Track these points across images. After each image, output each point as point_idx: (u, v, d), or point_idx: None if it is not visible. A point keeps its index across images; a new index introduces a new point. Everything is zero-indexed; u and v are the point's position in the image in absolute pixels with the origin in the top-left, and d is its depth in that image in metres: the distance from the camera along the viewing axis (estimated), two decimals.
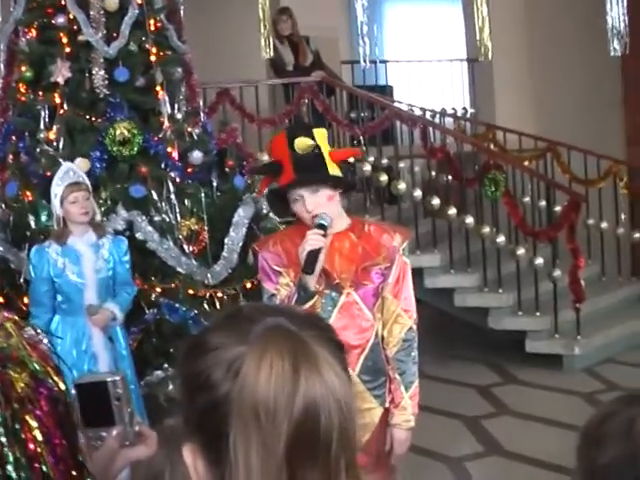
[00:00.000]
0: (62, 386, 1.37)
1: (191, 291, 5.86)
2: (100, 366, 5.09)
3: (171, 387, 5.45)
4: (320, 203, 3.38)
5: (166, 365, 5.56)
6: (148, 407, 5.11)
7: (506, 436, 6.36)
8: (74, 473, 1.37)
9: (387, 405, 3.59)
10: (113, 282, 5.23)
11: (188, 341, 1.22)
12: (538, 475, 5.70)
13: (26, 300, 5.64)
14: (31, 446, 1.23)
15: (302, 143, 3.39)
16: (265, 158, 7.75)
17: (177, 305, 5.73)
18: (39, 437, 1.25)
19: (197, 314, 5.71)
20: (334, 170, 3.46)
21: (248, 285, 5.96)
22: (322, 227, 3.35)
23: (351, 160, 8.40)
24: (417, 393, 3.62)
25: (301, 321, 1.21)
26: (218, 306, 5.91)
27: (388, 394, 3.59)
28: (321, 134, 3.50)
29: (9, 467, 1.22)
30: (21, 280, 5.65)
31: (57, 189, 5.14)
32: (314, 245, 3.31)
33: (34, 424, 1.24)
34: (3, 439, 1.27)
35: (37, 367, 1.39)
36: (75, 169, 5.31)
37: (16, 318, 1.52)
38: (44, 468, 1.28)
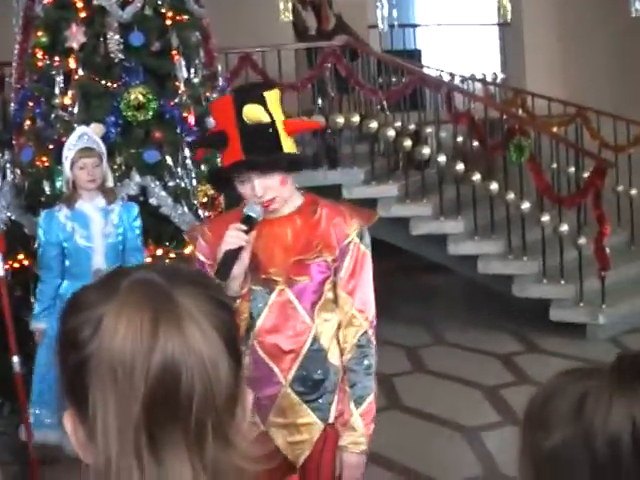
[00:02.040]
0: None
1: None
2: None
3: None
4: (271, 187, 2.84)
5: None
6: None
7: (524, 406, 6.27)
8: None
9: (331, 421, 3.06)
10: (123, 248, 5.20)
11: (68, 299, 1.16)
12: None
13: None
14: None
15: (252, 113, 2.81)
16: None
17: None
18: None
19: None
20: (289, 146, 2.88)
21: None
22: (249, 220, 2.77)
23: (373, 125, 8.32)
24: (372, 410, 3.05)
25: (178, 277, 1.14)
26: None
27: (337, 408, 3.06)
28: (274, 97, 2.88)
29: None
30: (35, 246, 5.66)
31: (68, 152, 5.12)
32: (232, 244, 2.72)
33: None
34: None
35: None
36: (90, 134, 5.28)
37: None
38: None
